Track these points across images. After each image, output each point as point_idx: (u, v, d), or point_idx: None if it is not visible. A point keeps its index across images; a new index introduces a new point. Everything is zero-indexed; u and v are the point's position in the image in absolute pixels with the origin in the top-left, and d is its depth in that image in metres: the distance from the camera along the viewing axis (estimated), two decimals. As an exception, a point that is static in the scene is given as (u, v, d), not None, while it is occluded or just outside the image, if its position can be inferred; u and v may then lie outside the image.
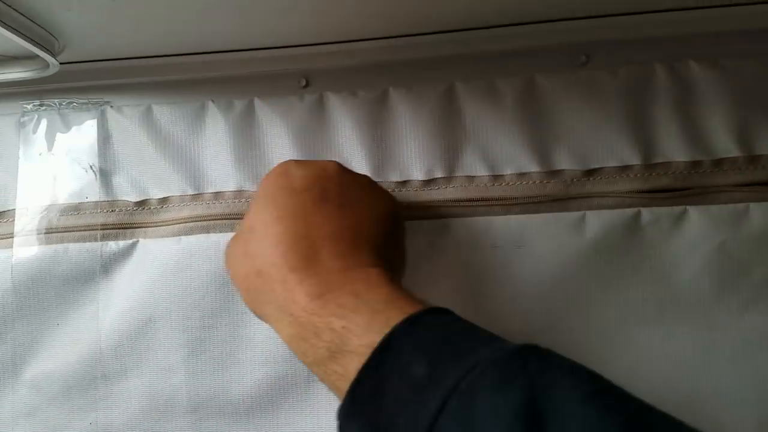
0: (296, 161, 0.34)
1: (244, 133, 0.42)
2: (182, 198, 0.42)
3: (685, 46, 0.40)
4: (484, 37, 0.41)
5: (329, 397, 0.29)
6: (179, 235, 0.41)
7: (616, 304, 0.39)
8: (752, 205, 0.39)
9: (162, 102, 0.43)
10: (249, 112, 0.42)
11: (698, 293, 0.39)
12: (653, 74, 0.40)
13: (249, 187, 0.42)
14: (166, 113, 0.42)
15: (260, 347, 0.41)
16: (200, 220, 0.41)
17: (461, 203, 0.41)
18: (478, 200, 0.40)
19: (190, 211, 0.41)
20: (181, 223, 0.41)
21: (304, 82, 0.43)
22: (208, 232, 0.41)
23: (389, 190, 0.41)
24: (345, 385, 0.24)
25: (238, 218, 0.41)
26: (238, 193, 0.42)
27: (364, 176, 0.36)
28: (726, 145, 0.39)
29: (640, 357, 0.39)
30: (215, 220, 0.41)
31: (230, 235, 0.40)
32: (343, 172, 0.34)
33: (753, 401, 0.39)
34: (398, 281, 0.32)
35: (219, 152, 0.42)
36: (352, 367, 0.24)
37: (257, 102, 0.42)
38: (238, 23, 0.37)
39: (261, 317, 0.31)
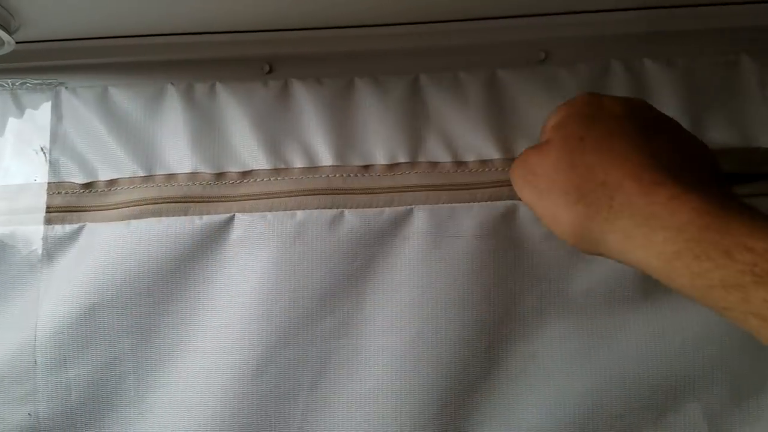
0: (597, 94, 0.32)
1: (202, 116, 0.41)
2: (132, 180, 0.40)
3: (642, 44, 0.41)
4: (448, 30, 0.41)
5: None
6: (128, 219, 0.39)
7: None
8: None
9: (119, 84, 0.42)
10: (210, 96, 0.41)
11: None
12: (609, 70, 0.41)
13: (204, 169, 0.40)
14: (123, 95, 0.41)
15: (213, 335, 0.39)
16: (151, 203, 0.40)
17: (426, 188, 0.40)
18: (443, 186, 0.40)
19: (141, 194, 0.40)
20: (131, 206, 0.40)
21: (267, 68, 0.42)
22: (160, 216, 0.39)
23: (352, 174, 0.41)
24: None
25: (193, 202, 0.40)
26: (193, 176, 0.40)
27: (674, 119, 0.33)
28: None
29: None
30: (167, 203, 0.40)
31: (182, 219, 0.39)
32: (654, 109, 0.32)
33: None
34: None
35: (174, 134, 0.41)
36: None
37: (219, 86, 0.41)
38: (201, 4, 0.37)
39: (600, 233, 0.28)
